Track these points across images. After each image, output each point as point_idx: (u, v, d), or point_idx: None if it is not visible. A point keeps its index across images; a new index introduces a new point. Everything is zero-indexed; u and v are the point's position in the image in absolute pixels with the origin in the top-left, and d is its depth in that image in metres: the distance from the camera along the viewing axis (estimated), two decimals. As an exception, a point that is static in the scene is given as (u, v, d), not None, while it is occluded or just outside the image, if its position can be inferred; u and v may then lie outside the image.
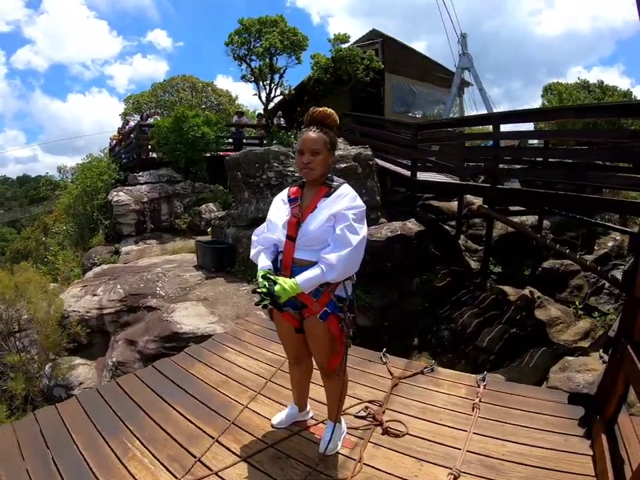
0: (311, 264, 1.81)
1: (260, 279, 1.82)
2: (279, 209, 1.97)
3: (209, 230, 8.84)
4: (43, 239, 14.71)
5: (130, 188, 10.28)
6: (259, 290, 1.79)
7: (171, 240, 9.78)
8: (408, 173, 8.22)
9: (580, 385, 3.46)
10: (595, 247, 7.81)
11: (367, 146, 7.76)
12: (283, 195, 2.02)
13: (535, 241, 6.96)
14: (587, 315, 6.66)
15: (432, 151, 8.38)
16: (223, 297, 5.79)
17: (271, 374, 3.01)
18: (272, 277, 1.81)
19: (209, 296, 5.81)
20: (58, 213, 14.55)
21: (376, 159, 7.80)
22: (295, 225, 1.86)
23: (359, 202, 1.86)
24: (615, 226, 7.27)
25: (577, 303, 6.71)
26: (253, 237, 2.09)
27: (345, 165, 7.04)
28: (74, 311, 5.71)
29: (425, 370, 2.99)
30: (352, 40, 12.07)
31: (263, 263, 1.94)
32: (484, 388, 2.67)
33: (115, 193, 10.00)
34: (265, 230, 2.01)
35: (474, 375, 2.93)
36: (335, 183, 1.91)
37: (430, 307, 6.68)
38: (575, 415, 2.32)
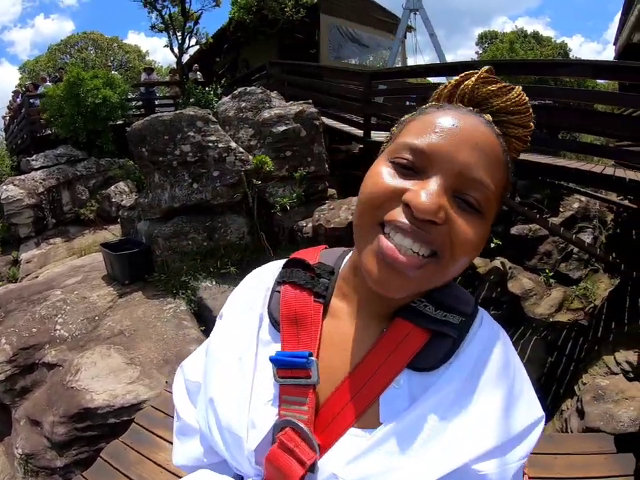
0: None
1: None
2: (243, 368, 0.60)
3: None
4: None
5: (22, 177, 8.46)
6: None
7: (79, 234, 8.25)
8: (360, 132, 6.99)
9: (625, 423, 2.87)
10: (561, 209, 7.49)
11: (310, 101, 6.39)
12: (255, 302, 0.65)
13: (509, 207, 6.30)
14: (558, 283, 6.51)
15: (388, 105, 7.18)
16: (143, 326, 4.55)
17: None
18: None
19: (124, 328, 4.56)
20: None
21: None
22: (290, 468, 0.51)
23: (535, 408, 0.59)
24: (583, 190, 6.73)
25: (547, 271, 6.53)
26: (177, 400, 0.74)
27: (285, 127, 5.66)
28: (-47, 382, 4.25)
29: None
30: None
31: None
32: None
33: (5, 187, 8.19)
34: (204, 406, 0.63)
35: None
36: (453, 317, 0.56)
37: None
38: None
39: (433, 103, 0.58)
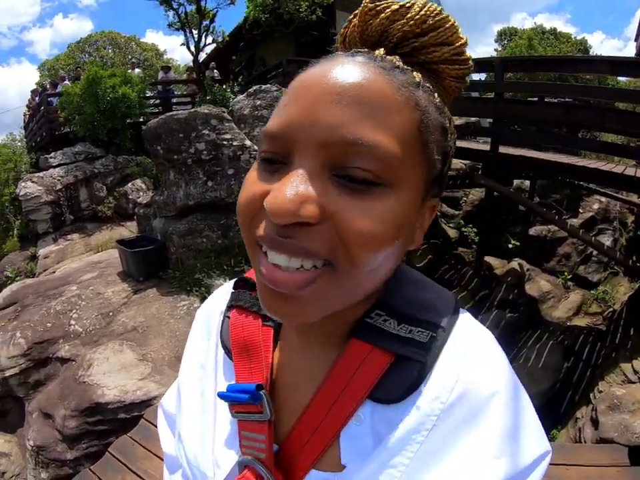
0: None
1: None
2: (204, 403, 0.54)
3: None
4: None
5: (41, 174, 8.52)
6: None
7: (96, 230, 8.28)
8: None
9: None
10: (580, 210, 7.39)
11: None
12: (211, 329, 0.59)
13: (527, 208, 6.20)
14: (577, 286, 6.44)
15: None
16: (156, 322, 4.58)
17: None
18: None
19: (137, 324, 4.59)
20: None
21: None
22: None
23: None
24: (603, 190, 6.59)
25: (566, 274, 6.45)
26: (160, 434, 0.71)
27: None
28: (-30, 374, 4.35)
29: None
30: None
31: None
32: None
33: (23, 184, 8.26)
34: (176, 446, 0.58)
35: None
36: (421, 333, 0.44)
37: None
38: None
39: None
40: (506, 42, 25.81)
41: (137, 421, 3.15)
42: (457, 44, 0.43)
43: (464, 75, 0.45)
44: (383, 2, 0.42)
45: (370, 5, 0.42)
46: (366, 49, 0.42)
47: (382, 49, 0.42)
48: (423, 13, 0.41)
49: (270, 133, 0.38)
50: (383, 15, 0.41)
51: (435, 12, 0.41)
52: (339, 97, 0.36)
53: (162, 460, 2.08)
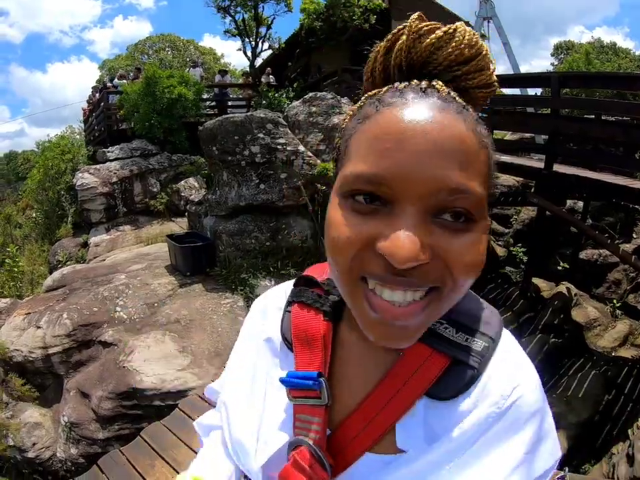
0: None
1: None
2: (253, 388, 0.60)
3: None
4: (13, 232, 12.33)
5: (97, 167, 8.91)
6: None
7: (147, 224, 8.62)
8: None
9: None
10: (634, 235, 7.10)
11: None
12: (267, 324, 0.63)
13: (580, 230, 5.97)
14: (625, 315, 6.19)
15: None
16: (199, 317, 4.71)
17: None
18: None
19: (181, 316, 4.73)
20: (25, 200, 12.99)
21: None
22: None
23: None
24: None
25: (614, 302, 6.23)
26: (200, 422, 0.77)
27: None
28: (16, 350, 4.60)
29: None
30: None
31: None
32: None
33: (80, 175, 8.65)
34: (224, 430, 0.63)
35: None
36: (475, 342, 0.50)
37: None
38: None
39: (369, 96, 0.46)
40: (562, 56, 24.98)
41: (170, 409, 3.23)
42: (491, 69, 0.46)
43: (491, 95, 0.48)
44: (428, 25, 0.44)
45: (416, 27, 0.44)
46: (426, 84, 0.43)
47: (441, 84, 0.43)
48: (466, 41, 0.43)
49: (373, 177, 0.40)
50: (428, 41, 0.43)
51: (475, 39, 0.43)
52: (438, 150, 0.39)
53: (191, 449, 2.17)
